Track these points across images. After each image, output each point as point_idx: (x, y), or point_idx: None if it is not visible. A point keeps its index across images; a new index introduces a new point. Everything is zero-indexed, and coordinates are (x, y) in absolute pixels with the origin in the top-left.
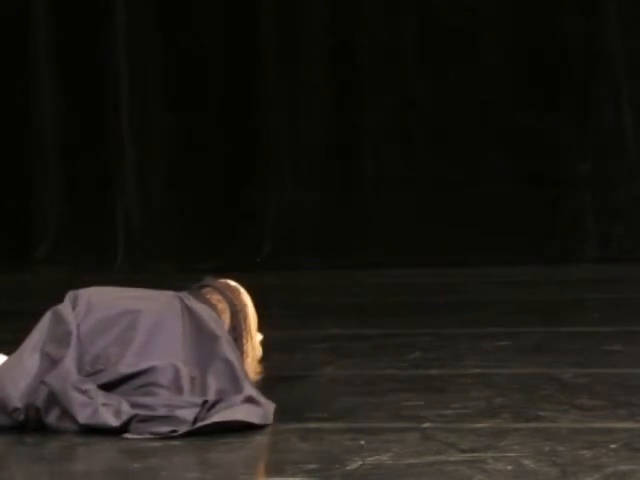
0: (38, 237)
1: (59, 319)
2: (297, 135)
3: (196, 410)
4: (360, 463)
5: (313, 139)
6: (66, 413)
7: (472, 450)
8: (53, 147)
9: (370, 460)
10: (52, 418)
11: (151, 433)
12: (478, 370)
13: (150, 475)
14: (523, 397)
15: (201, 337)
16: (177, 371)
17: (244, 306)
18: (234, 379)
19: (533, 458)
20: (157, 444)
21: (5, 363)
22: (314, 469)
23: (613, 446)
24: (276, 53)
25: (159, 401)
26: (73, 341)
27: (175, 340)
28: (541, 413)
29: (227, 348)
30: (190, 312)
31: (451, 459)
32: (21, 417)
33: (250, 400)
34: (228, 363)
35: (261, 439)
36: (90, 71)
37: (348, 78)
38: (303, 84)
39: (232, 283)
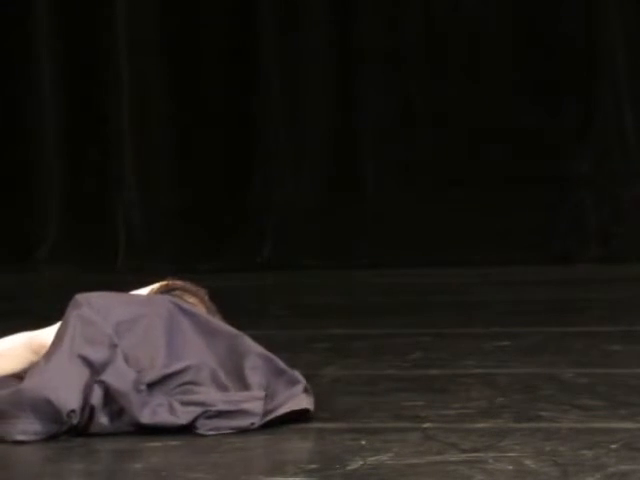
0: (39, 237)
1: (88, 322)
2: (297, 135)
3: (261, 403)
4: (361, 463)
5: (313, 139)
6: (122, 413)
7: (473, 450)
8: (53, 147)
9: (371, 460)
10: (105, 419)
11: (230, 428)
12: (479, 370)
13: (150, 475)
14: (524, 397)
15: (211, 335)
16: (212, 370)
17: (215, 309)
18: (278, 371)
19: (534, 458)
20: (157, 444)
21: (45, 371)
22: (315, 469)
23: (614, 446)
24: (277, 53)
25: (216, 397)
26: (116, 341)
27: (191, 340)
28: (542, 413)
29: (254, 343)
30: (187, 313)
31: (452, 459)
32: (75, 420)
33: (306, 390)
34: (265, 357)
35: (261, 439)
36: (90, 71)
37: (348, 78)
38: (303, 84)
39: (195, 286)
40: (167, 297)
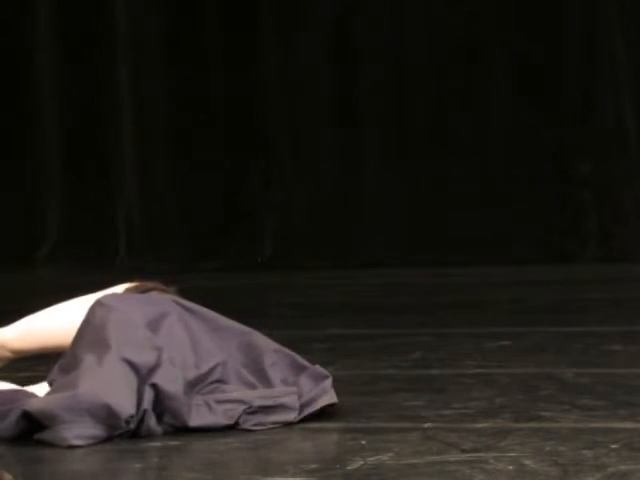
0: (39, 237)
1: (128, 325)
2: (297, 135)
3: (296, 397)
4: (361, 463)
5: (313, 139)
6: (163, 415)
7: (473, 450)
8: (54, 147)
9: (371, 460)
10: (153, 422)
11: (273, 422)
12: (479, 370)
13: (150, 475)
14: (524, 397)
15: (221, 333)
16: (235, 367)
17: None
18: (300, 366)
19: (534, 458)
20: (157, 444)
21: (99, 376)
22: (315, 469)
23: (614, 446)
24: (277, 53)
25: (251, 394)
26: (160, 343)
27: (204, 339)
28: (542, 413)
29: (267, 339)
30: (192, 312)
31: (452, 459)
32: (133, 425)
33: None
34: (282, 353)
35: (261, 439)
36: (90, 71)
37: (348, 77)
38: (303, 84)
39: (164, 285)
40: (167, 297)
